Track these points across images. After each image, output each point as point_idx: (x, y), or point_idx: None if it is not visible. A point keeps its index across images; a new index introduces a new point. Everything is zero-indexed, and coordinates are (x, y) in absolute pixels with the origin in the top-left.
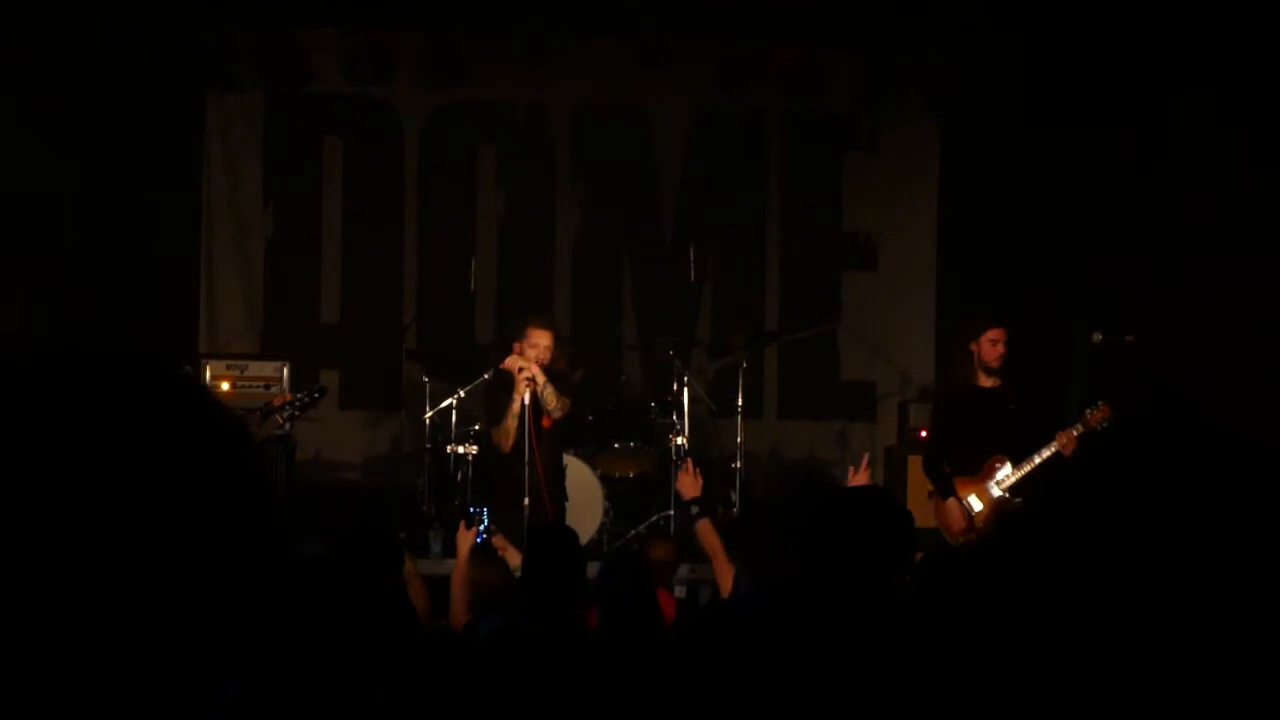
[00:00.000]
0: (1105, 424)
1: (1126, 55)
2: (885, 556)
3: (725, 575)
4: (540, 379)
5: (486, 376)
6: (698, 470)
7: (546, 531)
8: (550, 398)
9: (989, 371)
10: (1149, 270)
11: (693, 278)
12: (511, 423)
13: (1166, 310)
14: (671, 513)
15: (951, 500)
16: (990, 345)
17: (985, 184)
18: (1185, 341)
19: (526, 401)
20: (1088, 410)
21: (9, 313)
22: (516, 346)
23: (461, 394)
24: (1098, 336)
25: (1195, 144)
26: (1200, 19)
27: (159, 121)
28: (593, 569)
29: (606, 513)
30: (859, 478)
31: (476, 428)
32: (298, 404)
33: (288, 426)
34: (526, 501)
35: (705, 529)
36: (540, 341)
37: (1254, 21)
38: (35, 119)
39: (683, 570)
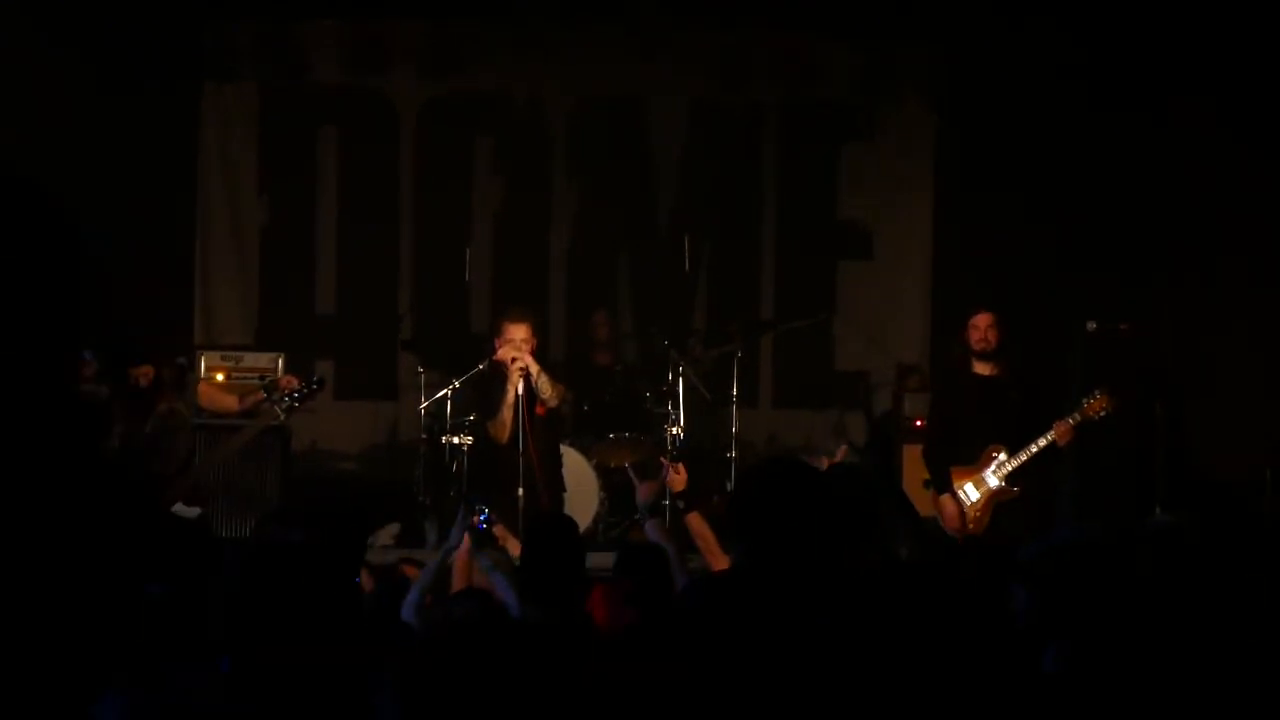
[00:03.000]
0: (1103, 413)
1: (1122, 46)
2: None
3: (720, 565)
4: (534, 368)
5: (481, 368)
6: (679, 465)
7: (546, 520)
8: (546, 386)
9: (979, 357)
10: (1143, 259)
11: (688, 267)
12: (507, 414)
13: (1161, 299)
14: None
15: (946, 497)
16: (974, 330)
17: (981, 173)
18: (1179, 330)
19: (520, 391)
20: (1085, 400)
21: None
22: (497, 343)
23: (456, 384)
24: (1092, 325)
25: (1190, 134)
26: (1197, 11)
27: (155, 111)
28: (590, 559)
29: (602, 503)
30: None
31: (472, 418)
32: (296, 395)
33: (283, 417)
34: (521, 491)
35: (695, 521)
36: (516, 335)
37: (1249, 15)
38: (31, 110)
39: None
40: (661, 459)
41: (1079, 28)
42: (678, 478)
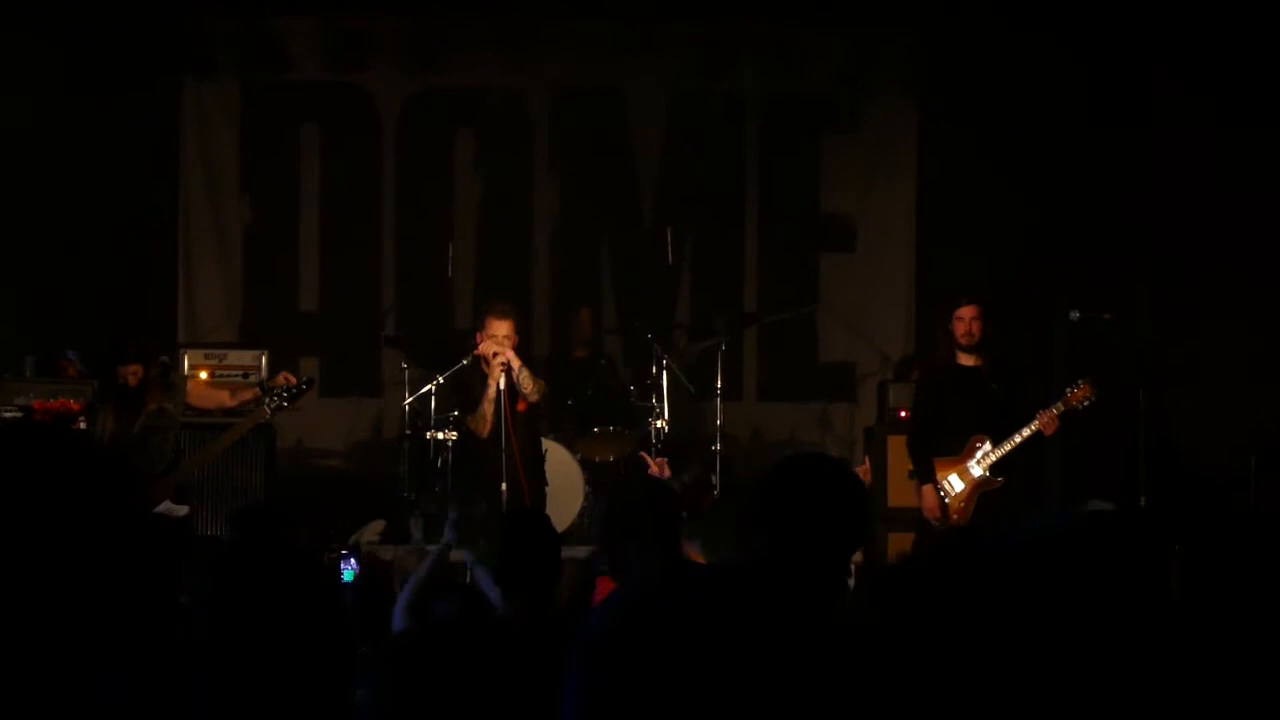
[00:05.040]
0: (1086, 402)
1: (1103, 36)
2: (831, 530)
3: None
4: (515, 363)
5: (465, 363)
6: (660, 462)
7: (520, 516)
8: (526, 381)
9: (964, 349)
10: (1127, 248)
11: (670, 260)
12: (488, 408)
13: (1143, 288)
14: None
15: (928, 487)
16: (959, 322)
17: (964, 164)
18: (1163, 319)
19: (502, 386)
20: (1068, 389)
21: None
22: (478, 337)
23: (440, 380)
24: (1075, 315)
25: (1172, 124)
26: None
27: (136, 110)
28: (573, 552)
29: (587, 496)
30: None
31: (456, 413)
32: (286, 393)
33: (270, 416)
34: (504, 486)
35: None
36: (498, 331)
37: (1232, 7)
38: (11, 108)
39: None
40: (643, 454)
41: (1061, 17)
42: (660, 475)
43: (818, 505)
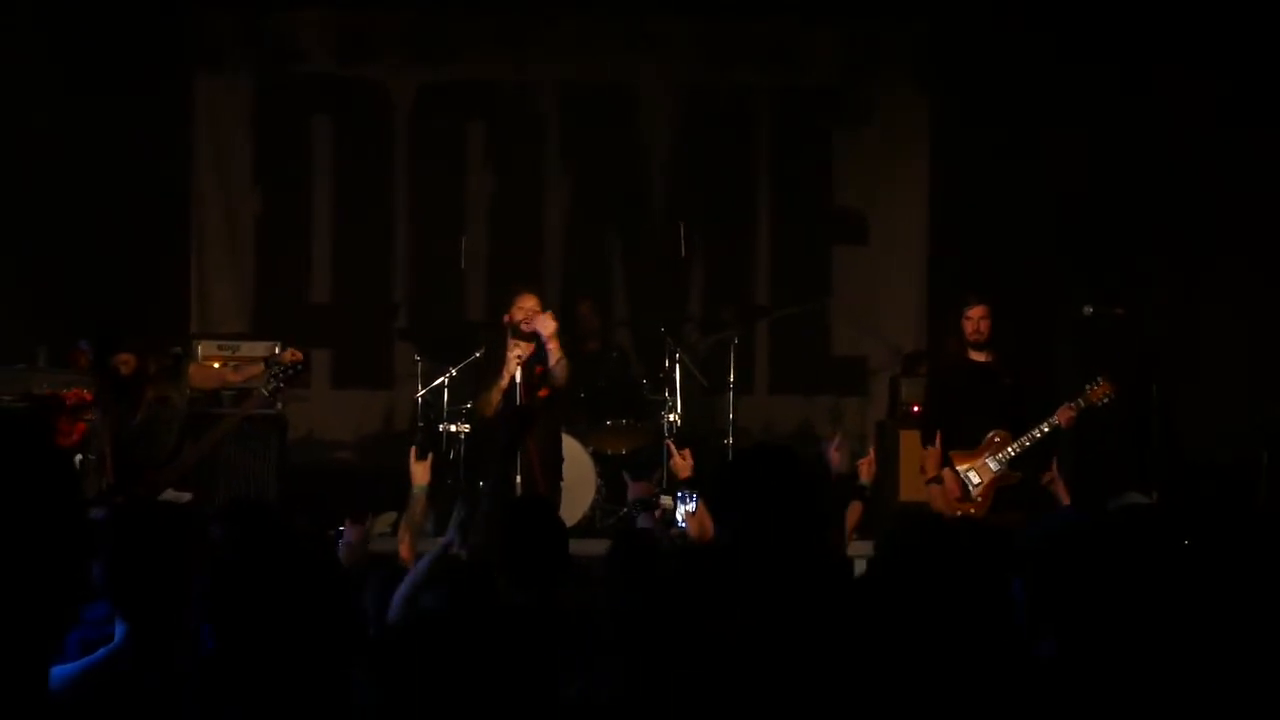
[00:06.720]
0: (1106, 399)
1: (1114, 30)
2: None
3: None
4: (549, 328)
5: (477, 355)
6: (685, 452)
7: (526, 505)
8: (555, 351)
9: (974, 346)
10: (1139, 244)
11: (683, 254)
12: (495, 396)
13: (1154, 283)
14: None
15: (946, 470)
16: (968, 322)
17: (976, 157)
18: (1174, 314)
19: (518, 379)
20: (1089, 386)
21: (3, 296)
22: (506, 318)
23: (453, 372)
24: (1089, 309)
25: (1183, 120)
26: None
27: (148, 105)
28: (585, 545)
29: (599, 490)
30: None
31: (469, 405)
32: (281, 375)
33: (267, 393)
34: (519, 479)
35: (704, 510)
36: (527, 304)
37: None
38: (25, 105)
39: None
40: (668, 442)
41: (1066, 13)
42: (684, 464)
43: (767, 492)
